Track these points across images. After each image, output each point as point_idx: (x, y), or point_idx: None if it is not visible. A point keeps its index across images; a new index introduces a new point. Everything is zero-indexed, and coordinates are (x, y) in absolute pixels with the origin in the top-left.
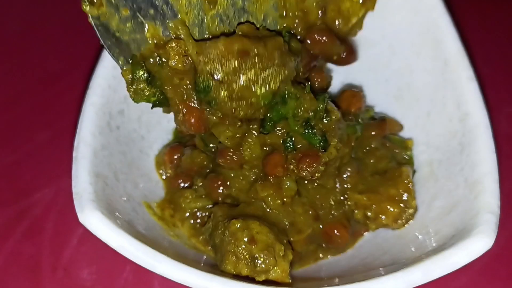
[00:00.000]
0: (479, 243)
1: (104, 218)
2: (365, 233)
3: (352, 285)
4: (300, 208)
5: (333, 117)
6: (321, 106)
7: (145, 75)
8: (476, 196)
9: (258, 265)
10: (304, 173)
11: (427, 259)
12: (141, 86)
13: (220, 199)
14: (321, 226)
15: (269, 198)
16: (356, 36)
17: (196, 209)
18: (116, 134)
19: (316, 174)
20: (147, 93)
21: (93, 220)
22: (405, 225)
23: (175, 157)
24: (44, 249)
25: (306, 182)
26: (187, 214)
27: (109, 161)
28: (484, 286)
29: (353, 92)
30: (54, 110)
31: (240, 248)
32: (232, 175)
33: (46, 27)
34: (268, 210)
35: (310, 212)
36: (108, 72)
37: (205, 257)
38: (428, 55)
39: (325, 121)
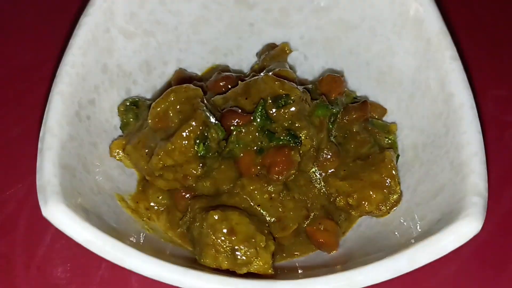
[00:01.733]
0: (467, 227)
1: (69, 211)
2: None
3: (336, 275)
4: (291, 203)
5: (292, 97)
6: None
7: None
8: (462, 179)
9: (239, 257)
10: (277, 180)
11: (412, 246)
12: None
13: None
14: (305, 226)
15: (256, 192)
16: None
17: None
18: (86, 125)
19: (291, 176)
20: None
21: (57, 213)
22: (390, 212)
23: None
24: (17, 247)
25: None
26: (162, 208)
27: (78, 152)
28: (474, 273)
29: (333, 76)
30: (26, 104)
31: (219, 240)
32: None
33: (16, 20)
34: (253, 205)
35: (302, 210)
36: (76, 60)
37: (183, 251)
38: (410, 36)
39: (285, 106)
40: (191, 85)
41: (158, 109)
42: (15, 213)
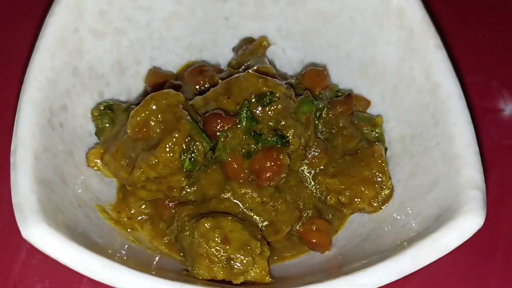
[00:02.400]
0: (469, 222)
1: (51, 231)
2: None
3: (339, 279)
4: (283, 205)
5: (277, 95)
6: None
7: None
8: (457, 172)
9: (236, 266)
10: (268, 186)
11: (415, 245)
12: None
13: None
14: (298, 227)
15: (247, 196)
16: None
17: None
18: (60, 133)
19: (282, 180)
20: None
21: (39, 234)
22: (382, 208)
23: None
24: None
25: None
26: (145, 216)
27: (54, 163)
28: (463, 262)
29: (316, 70)
30: None
31: (213, 250)
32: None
33: None
34: (245, 210)
35: (295, 212)
36: (45, 63)
37: (172, 261)
38: (392, 26)
39: (270, 104)
40: (172, 91)
41: (138, 118)
42: None
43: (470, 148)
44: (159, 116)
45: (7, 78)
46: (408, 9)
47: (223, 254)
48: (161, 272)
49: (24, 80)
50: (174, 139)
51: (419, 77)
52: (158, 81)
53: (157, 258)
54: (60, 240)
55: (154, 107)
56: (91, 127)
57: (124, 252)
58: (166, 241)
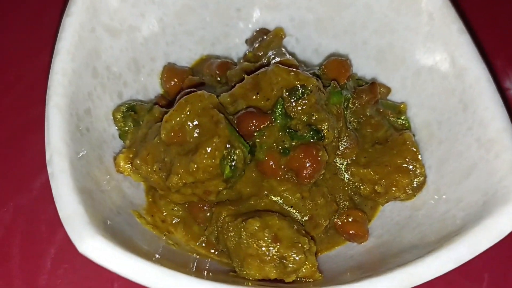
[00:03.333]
0: None
1: (108, 243)
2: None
3: (396, 271)
4: (322, 199)
5: (309, 87)
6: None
7: None
8: (496, 156)
9: (290, 265)
10: (308, 183)
11: (468, 232)
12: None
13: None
14: (335, 220)
15: (287, 193)
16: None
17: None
18: (88, 138)
19: (321, 176)
20: None
21: (96, 248)
22: (416, 195)
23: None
24: (15, 278)
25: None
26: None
27: (88, 170)
28: None
29: (339, 60)
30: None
31: (264, 249)
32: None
33: None
34: (285, 207)
35: (332, 205)
36: (66, 66)
37: (213, 263)
38: (410, 11)
39: (303, 97)
40: (205, 93)
41: (173, 122)
42: (5, 241)
43: (507, 132)
44: (196, 120)
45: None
46: None
47: (275, 253)
48: (212, 275)
49: (48, 85)
50: (214, 144)
51: (443, 62)
52: (175, 78)
53: (200, 261)
54: (118, 252)
55: (189, 111)
56: (113, 130)
57: (170, 257)
58: (203, 243)
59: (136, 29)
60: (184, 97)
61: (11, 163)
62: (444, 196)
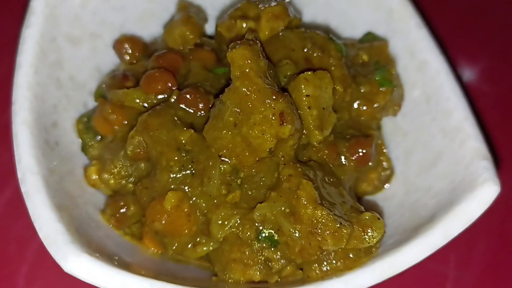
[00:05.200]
0: (489, 191)
1: (93, 260)
2: None
3: (377, 262)
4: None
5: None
6: None
7: None
8: (461, 144)
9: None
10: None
11: (442, 219)
12: None
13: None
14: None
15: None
16: None
17: None
18: (57, 152)
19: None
20: None
21: (82, 266)
22: (384, 187)
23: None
24: None
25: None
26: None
27: (62, 186)
28: None
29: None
30: None
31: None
32: None
33: None
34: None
35: None
36: (30, 80)
37: (193, 268)
38: (369, 7)
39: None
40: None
41: (136, 139)
42: None
43: (469, 121)
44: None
45: None
46: None
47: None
48: (195, 281)
49: (13, 100)
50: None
51: (403, 56)
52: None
53: (180, 267)
54: (104, 268)
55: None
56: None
57: (153, 267)
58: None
59: (98, 36)
60: (144, 115)
61: None
62: (415, 185)
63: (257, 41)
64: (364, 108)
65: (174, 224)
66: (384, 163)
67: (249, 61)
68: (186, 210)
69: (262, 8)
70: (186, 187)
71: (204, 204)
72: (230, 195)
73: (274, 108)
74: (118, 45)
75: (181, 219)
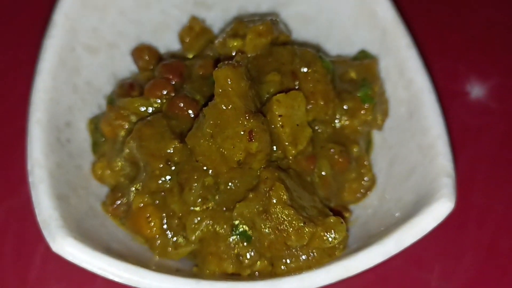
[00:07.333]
0: (442, 207)
1: (77, 244)
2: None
3: (334, 265)
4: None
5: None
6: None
7: None
8: (431, 160)
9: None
10: None
11: (397, 229)
12: None
13: None
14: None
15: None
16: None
17: None
18: (68, 148)
19: None
20: None
21: (67, 248)
22: (364, 197)
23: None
24: (7, 274)
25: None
26: None
27: (66, 178)
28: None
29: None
30: None
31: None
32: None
33: None
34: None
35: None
36: (47, 85)
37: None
38: (366, 26)
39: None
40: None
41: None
42: None
43: (441, 139)
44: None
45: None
46: (379, 10)
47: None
48: (176, 271)
49: (31, 102)
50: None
51: (394, 74)
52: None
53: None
54: (86, 251)
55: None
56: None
57: (142, 254)
58: None
59: (115, 46)
60: (138, 125)
61: (1, 171)
62: (387, 196)
63: (243, 64)
64: (347, 122)
65: (136, 224)
66: (366, 177)
67: (230, 81)
68: (148, 214)
69: (250, 26)
70: (163, 193)
71: (177, 210)
72: (204, 206)
73: (245, 126)
74: (136, 52)
75: (141, 220)
